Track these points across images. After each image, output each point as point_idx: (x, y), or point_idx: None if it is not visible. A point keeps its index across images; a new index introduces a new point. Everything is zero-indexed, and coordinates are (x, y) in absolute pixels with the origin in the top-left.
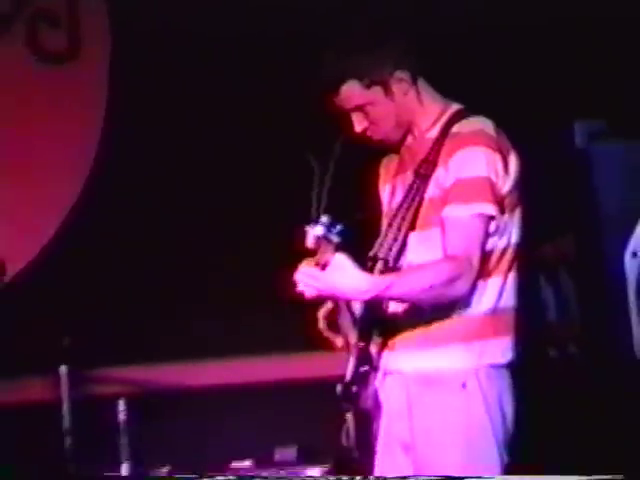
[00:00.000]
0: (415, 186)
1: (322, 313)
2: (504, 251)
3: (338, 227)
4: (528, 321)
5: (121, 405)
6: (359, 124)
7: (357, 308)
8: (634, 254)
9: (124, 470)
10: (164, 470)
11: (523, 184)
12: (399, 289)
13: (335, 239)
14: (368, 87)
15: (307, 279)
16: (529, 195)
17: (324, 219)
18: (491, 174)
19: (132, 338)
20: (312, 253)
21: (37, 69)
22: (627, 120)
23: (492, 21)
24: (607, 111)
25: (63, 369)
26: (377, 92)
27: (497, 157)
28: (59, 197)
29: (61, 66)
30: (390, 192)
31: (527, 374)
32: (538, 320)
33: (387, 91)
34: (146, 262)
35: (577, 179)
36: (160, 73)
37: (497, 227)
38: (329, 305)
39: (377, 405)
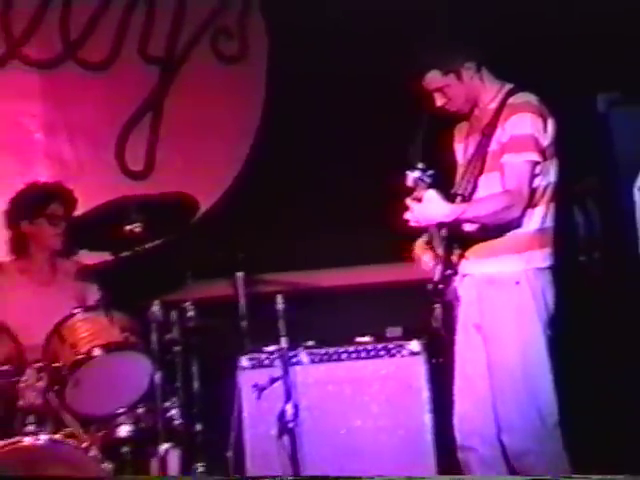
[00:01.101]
0: (482, 143)
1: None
2: (546, 187)
3: (430, 172)
4: (564, 236)
5: (279, 299)
6: (439, 100)
7: (443, 231)
8: None
9: (283, 343)
10: (309, 343)
11: (559, 140)
12: (470, 214)
13: (427, 180)
14: (445, 74)
15: (409, 209)
16: (565, 147)
17: (420, 166)
18: (535, 132)
19: (287, 252)
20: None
21: (218, 67)
22: (637, 92)
23: (535, 19)
24: (622, 85)
25: (240, 275)
26: (451, 78)
27: (539, 120)
28: (237, 154)
29: (233, 65)
30: (463, 148)
31: (563, 274)
32: (572, 236)
33: (459, 77)
34: (297, 200)
35: (600, 136)
36: (304, 66)
37: (541, 170)
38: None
39: (457, 298)
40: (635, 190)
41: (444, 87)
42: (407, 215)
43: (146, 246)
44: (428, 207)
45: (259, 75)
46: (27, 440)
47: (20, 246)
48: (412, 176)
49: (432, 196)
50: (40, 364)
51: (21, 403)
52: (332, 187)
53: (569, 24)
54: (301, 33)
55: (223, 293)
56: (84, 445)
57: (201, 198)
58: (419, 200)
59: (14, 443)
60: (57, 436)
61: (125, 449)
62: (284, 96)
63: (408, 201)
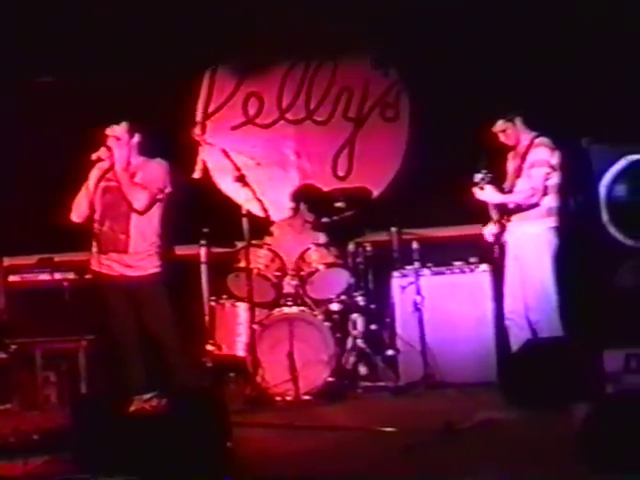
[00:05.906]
0: (520, 162)
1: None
2: (553, 186)
3: (489, 175)
4: (562, 212)
5: (414, 243)
6: (501, 137)
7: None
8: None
9: (415, 264)
10: (429, 264)
11: (561, 162)
12: (512, 199)
13: (487, 179)
14: (506, 122)
15: (475, 194)
16: (564, 165)
17: (483, 171)
18: (548, 157)
19: (417, 217)
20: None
21: (383, 123)
22: (604, 136)
23: (554, 93)
24: (596, 131)
25: (393, 229)
26: (509, 125)
27: (550, 151)
28: (392, 166)
29: (391, 122)
30: (511, 164)
31: (561, 231)
32: (565, 211)
33: (513, 124)
34: (422, 192)
35: (583, 159)
36: (428, 122)
37: (551, 177)
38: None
39: (505, 242)
40: (600, 186)
41: (506, 129)
42: (476, 195)
43: (345, 214)
44: (485, 193)
45: (404, 127)
46: (286, 309)
47: (293, 213)
48: (479, 177)
49: (489, 188)
50: (293, 272)
51: (284, 291)
52: (440, 187)
53: (577, 101)
54: (425, 107)
55: (384, 239)
56: (315, 313)
57: (373, 189)
58: (482, 189)
59: (280, 311)
60: (302, 308)
61: (335, 316)
62: (416, 136)
63: (475, 189)
